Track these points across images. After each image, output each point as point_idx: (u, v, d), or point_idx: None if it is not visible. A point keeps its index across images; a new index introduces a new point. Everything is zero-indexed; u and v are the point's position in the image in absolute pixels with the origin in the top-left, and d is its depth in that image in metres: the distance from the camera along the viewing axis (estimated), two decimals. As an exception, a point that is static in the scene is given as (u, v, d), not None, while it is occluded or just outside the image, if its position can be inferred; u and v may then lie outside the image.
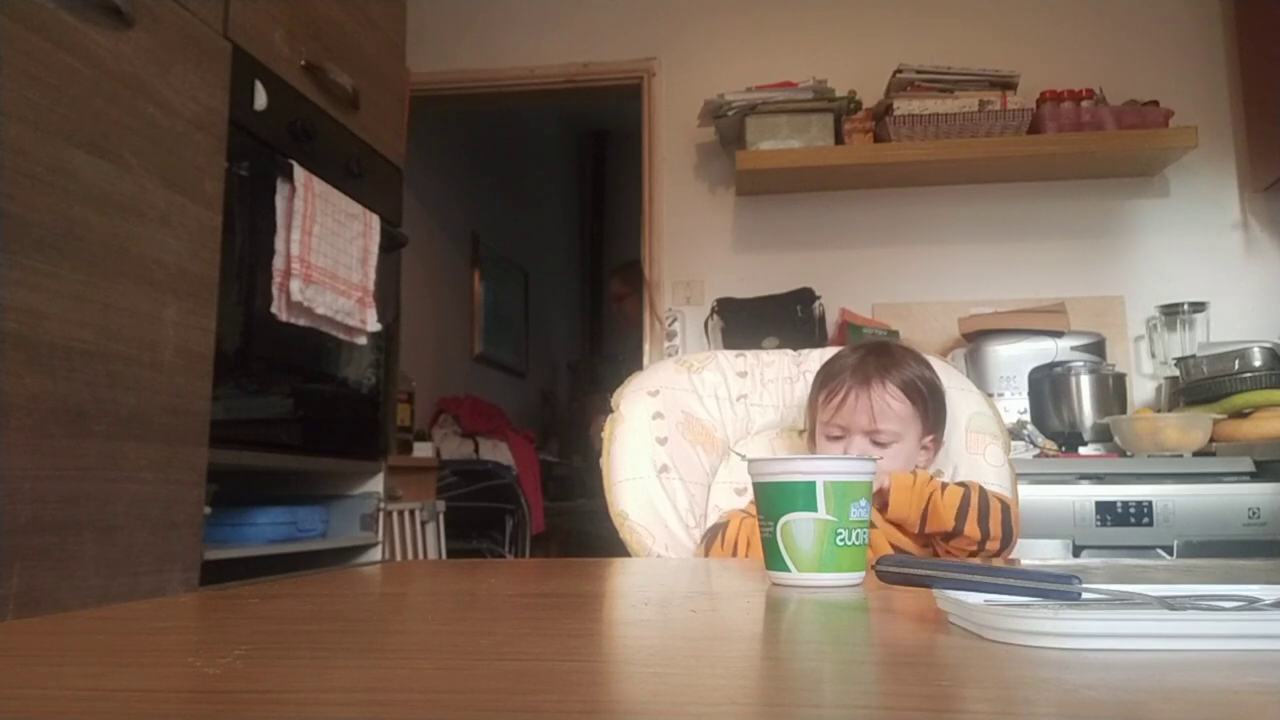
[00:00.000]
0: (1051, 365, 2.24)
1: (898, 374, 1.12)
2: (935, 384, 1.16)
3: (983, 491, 1.06)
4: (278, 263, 1.59)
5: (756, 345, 2.30)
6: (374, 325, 1.83)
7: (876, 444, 1.10)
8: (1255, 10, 2.46)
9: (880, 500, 1.05)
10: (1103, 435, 2.14)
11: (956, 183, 2.60)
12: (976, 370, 2.30)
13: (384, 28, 2.07)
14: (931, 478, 1.08)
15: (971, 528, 1.03)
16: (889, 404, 1.10)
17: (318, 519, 1.83)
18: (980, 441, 1.23)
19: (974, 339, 2.36)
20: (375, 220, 1.85)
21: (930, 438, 1.15)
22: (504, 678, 0.38)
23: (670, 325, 2.69)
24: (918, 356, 1.17)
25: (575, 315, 5.85)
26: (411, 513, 2.41)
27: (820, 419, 1.15)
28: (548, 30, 2.88)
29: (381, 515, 1.97)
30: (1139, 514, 1.81)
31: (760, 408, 1.31)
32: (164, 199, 1.33)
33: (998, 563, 0.97)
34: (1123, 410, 2.20)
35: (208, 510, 1.40)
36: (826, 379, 1.16)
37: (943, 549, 1.07)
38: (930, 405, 1.14)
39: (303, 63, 1.71)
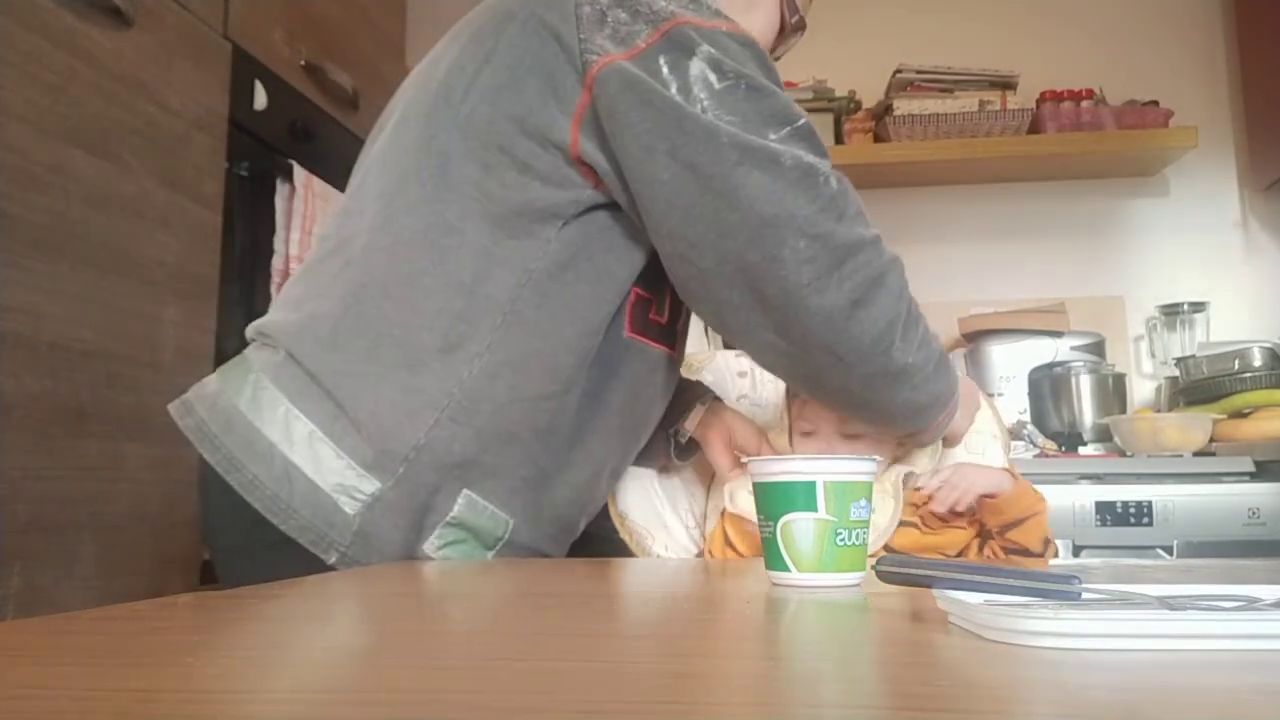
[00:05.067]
0: (1051, 365, 2.24)
1: None
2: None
3: None
4: (277, 263, 1.59)
5: (756, 345, 2.30)
6: (374, 325, 1.82)
7: (847, 437, 1.06)
8: (1255, 10, 2.46)
9: (981, 500, 1.05)
10: (1103, 435, 2.14)
11: (956, 183, 2.60)
12: (976, 370, 2.30)
13: (384, 27, 2.08)
14: (1042, 498, 1.07)
15: (1050, 555, 1.05)
16: None
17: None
18: (980, 441, 1.23)
19: (974, 339, 2.36)
20: (375, 220, 1.85)
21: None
22: (504, 678, 0.38)
23: (670, 325, 2.68)
24: None
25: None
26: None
27: (795, 420, 1.12)
28: (548, 30, 2.88)
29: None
30: (1139, 514, 1.81)
31: (760, 408, 1.31)
32: (164, 199, 1.33)
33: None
34: (1123, 410, 2.20)
35: (208, 510, 1.40)
36: None
37: (993, 552, 1.08)
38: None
39: (302, 62, 1.71)
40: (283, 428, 0.85)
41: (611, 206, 0.89)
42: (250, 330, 0.96)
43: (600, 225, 0.88)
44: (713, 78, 0.81)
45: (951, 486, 1.03)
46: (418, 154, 0.89)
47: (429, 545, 0.87)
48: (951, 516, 1.09)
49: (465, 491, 0.87)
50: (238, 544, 0.90)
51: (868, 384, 0.88)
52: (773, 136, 0.81)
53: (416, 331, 0.85)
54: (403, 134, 0.92)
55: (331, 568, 0.84)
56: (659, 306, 0.95)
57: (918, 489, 1.11)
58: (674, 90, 0.80)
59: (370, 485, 0.84)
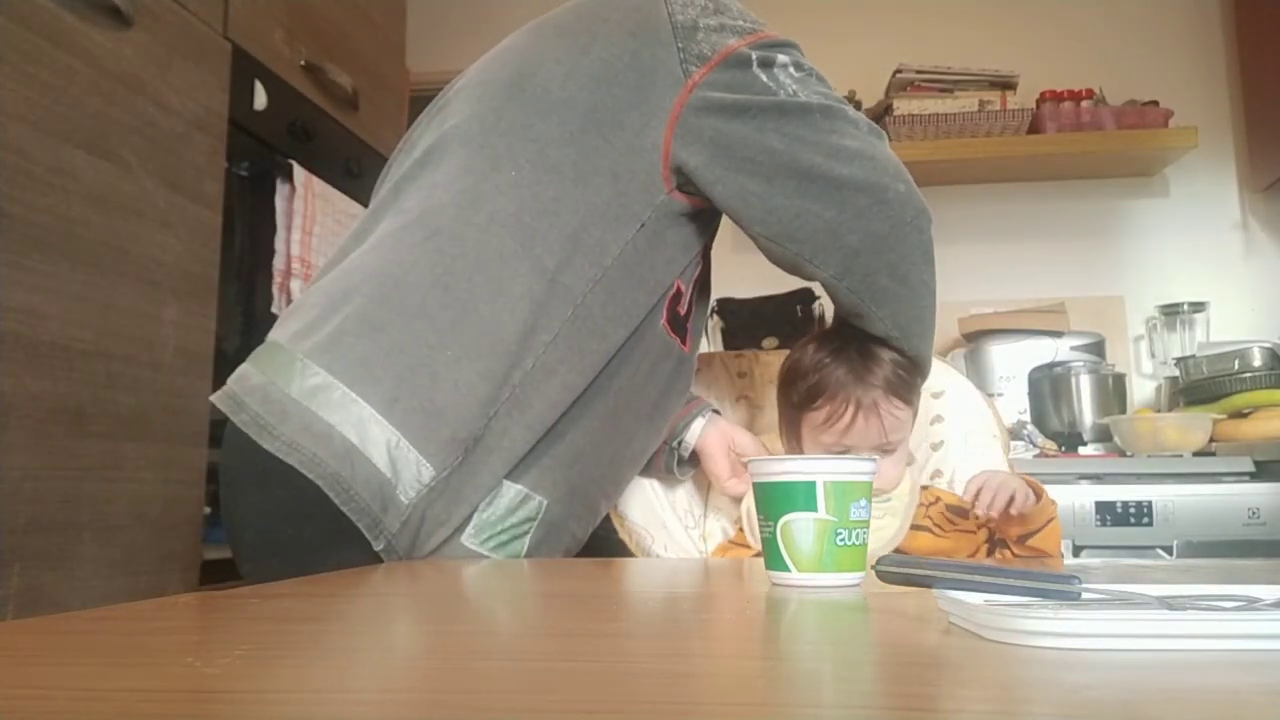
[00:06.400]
0: (1051, 365, 2.24)
1: (889, 374, 1.04)
2: (906, 361, 1.05)
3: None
4: (278, 263, 1.59)
5: (756, 345, 2.30)
6: (374, 325, 1.82)
7: (884, 452, 1.06)
8: (1255, 10, 2.46)
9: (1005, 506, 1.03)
10: (1103, 435, 2.14)
11: (956, 183, 2.60)
12: (976, 370, 2.30)
13: (384, 28, 2.07)
14: (1054, 501, 1.08)
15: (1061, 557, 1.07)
16: (896, 416, 1.05)
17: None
18: (980, 441, 1.23)
19: (974, 339, 2.36)
20: (375, 220, 1.85)
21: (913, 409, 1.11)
22: (504, 678, 0.38)
23: (670, 325, 2.68)
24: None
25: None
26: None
27: (822, 439, 1.06)
28: (548, 30, 2.87)
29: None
30: (1139, 514, 1.81)
31: (759, 408, 1.31)
32: (164, 199, 1.33)
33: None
34: (1123, 410, 2.20)
35: (208, 510, 1.40)
36: (815, 393, 1.06)
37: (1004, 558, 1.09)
38: (917, 392, 1.09)
39: (302, 63, 1.71)
40: (340, 411, 0.84)
41: (678, 217, 0.94)
42: (309, 296, 0.94)
43: (664, 238, 0.94)
44: (793, 71, 0.95)
45: (990, 489, 1.02)
46: (512, 137, 0.92)
47: (467, 538, 0.88)
48: (960, 518, 1.10)
49: (505, 481, 0.88)
50: (271, 540, 0.90)
51: (932, 314, 1.02)
52: (845, 107, 0.95)
53: (500, 311, 0.87)
54: (491, 116, 0.94)
55: (374, 556, 0.84)
56: (684, 300, 1.00)
57: (930, 492, 1.11)
58: (766, 81, 0.93)
59: (429, 473, 0.84)
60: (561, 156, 0.90)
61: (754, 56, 0.92)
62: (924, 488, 1.15)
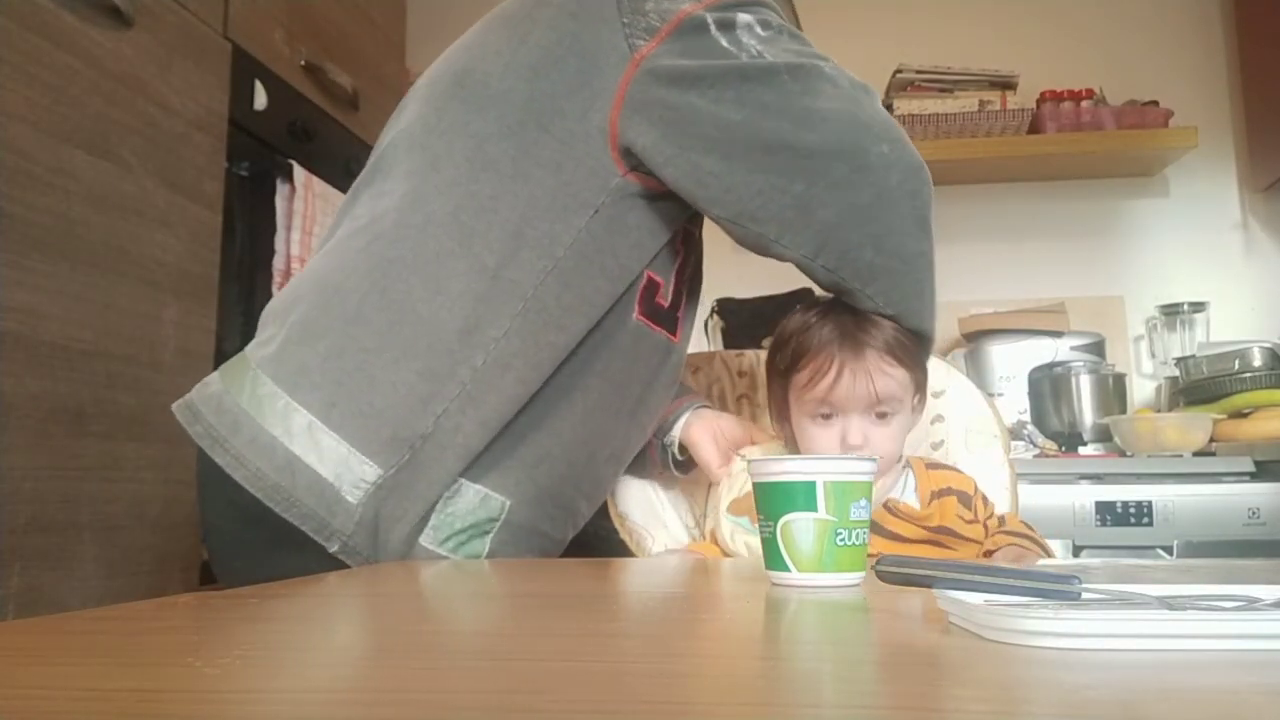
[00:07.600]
0: (1051, 365, 2.24)
1: (886, 335, 0.96)
2: (911, 338, 0.98)
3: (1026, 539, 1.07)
4: (278, 263, 1.59)
5: (756, 345, 2.30)
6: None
7: (878, 417, 0.99)
8: (1255, 10, 2.46)
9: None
10: (1103, 435, 2.14)
11: (956, 183, 2.60)
12: (976, 370, 2.30)
13: (384, 27, 2.08)
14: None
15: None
16: (888, 372, 0.96)
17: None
18: (980, 441, 1.23)
19: (974, 339, 2.36)
20: (375, 220, 1.85)
21: (917, 397, 1.04)
22: (504, 678, 0.38)
23: (670, 325, 2.68)
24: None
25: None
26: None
27: (805, 400, 0.99)
28: (548, 30, 2.87)
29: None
30: (1139, 514, 1.81)
31: (761, 408, 1.31)
32: (164, 199, 1.33)
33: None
34: (1123, 410, 2.20)
35: (208, 510, 1.40)
36: (799, 353, 0.98)
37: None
38: (920, 360, 1.01)
39: (302, 62, 1.71)
40: (283, 421, 0.85)
41: (638, 200, 0.90)
42: (270, 306, 0.96)
43: (625, 222, 0.90)
44: (759, 30, 0.87)
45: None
46: (451, 136, 0.90)
47: (425, 538, 0.87)
48: (968, 510, 1.09)
49: (462, 480, 0.87)
50: (234, 542, 0.91)
51: (931, 285, 0.93)
52: (821, 63, 0.87)
53: (439, 310, 0.86)
54: (433, 116, 0.93)
55: (332, 558, 0.84)
56: (664, 290, 0.97)
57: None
58: (725, 44, 0.85)
59: (373, 472, 0.84)
60: (499, 152, 0.87)
61: (710, 19, 0.85)
62: (930, 466, 1.13)
